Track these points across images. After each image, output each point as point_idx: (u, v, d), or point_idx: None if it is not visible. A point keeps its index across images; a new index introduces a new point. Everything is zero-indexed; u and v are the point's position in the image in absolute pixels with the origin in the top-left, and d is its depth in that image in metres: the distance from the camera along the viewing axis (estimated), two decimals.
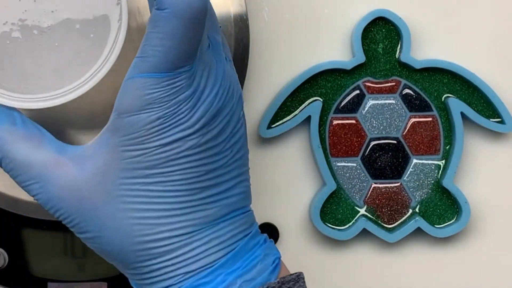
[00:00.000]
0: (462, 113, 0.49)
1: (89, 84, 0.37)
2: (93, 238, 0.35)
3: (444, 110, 0.49)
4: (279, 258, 0.37)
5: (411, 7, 0.49)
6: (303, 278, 0.36)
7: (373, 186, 0.49)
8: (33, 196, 0.36)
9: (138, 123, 0.34)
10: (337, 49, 0.49)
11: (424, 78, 0.49)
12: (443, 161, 0.49)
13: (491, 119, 0.49)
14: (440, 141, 0.49)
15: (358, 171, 0.49)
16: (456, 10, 0.50)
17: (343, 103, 0.49)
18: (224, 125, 0.36)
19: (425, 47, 0.50)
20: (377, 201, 0.49)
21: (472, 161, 0.50)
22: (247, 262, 0.36)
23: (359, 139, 0.49)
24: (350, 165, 0.49)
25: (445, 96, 0.49)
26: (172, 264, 0.35)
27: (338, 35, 0.50)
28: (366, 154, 0.49)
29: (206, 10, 0.34)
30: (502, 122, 0.49)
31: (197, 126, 0.34)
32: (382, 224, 0.49)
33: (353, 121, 0.49)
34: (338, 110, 0.49)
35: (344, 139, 0.49)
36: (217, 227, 0.36)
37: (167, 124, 0.34)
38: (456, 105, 0.49)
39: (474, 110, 0.49)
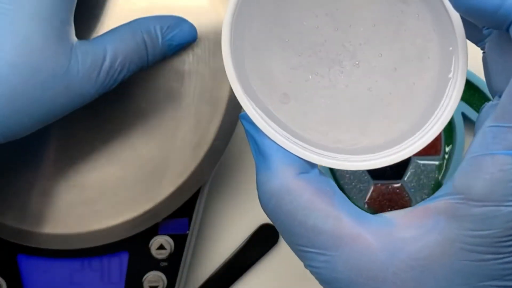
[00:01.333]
0: (462, 114, 0.49)
1: (401, 155, 0.28)
2: None
3: None
4: None
5: None
6: None
7: (374, 187, 0.49)
8: (309, 266, 0.28)
9: (496, 218, 0.25)
10: None
11: None
12: (444, 162, 0.49)
13: None
14: (441, 141, 0.49)
15: (359, 171, 0.49)
16: None
17: None
18: None
19: None
20: (378, 202, 0.49)
21: None
22: None
23: None
24: None
25: None
26: None
27: None
28: None
29: None
30: None
31: None
32: None
33: None
34: None
35: None
36: None
37: None
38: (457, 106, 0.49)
39: (475, 110, 0.49)
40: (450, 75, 0.28)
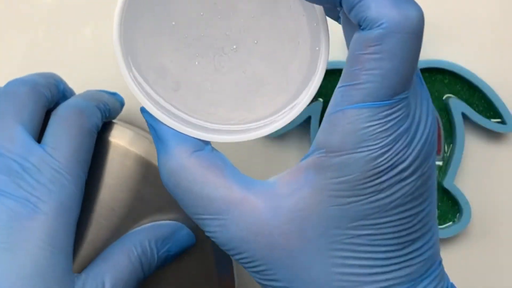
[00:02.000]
0: (463, 114, 0.48)
1: (275, 126, 0.33)
2: (280, 285, 0.31)
3: (445, 110, 0.49)
4: None
5: None
6: None
7: None
8: (207, 232, 0.32)
9: (351, 164, 0.29)
10: (337, 49, 0.49)
11: (425, 78, 0.49)
12: (444, 162, 0.49)
13: (492, 120, 0.49)
14: (441, 141, 0.49)
15: None
16: (456, 10, 0.50)
17: None
18: (431, 166, 0.31)
19: (426, 47, 0.50)
20: None
21: (473, 161, 0.50)
22: None
23: None
24: None
25: (445, 96, 0.49)
26: None
27: (338, 35, 0.49)
28: None
29: (423, 21, 0.29)
30: (503, 122, 0.49)
31: (412, 168, 0.30)
32: None
33: None
34: None
35: None
36: (420, 286, 0.32)
37: (385, 166, 0.29)
38: (457, 106, 0.48)
39: (475, 110, 0.49)
40: (317, 48, 0.32)
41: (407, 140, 0.29)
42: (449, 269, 0.50)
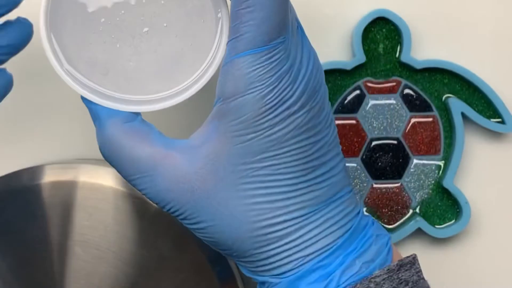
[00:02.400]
0: (462, 113, 0.49)
1: (195, 87, 0.38)
2: (206, 228, 0.35)
3: (445, 110, 0.49)
4: (390, 239, 0.37)
5: (411, 7, 0.49)
6: (418, 260, 0.36)
7: (373, 186, 0.49)
8: (140, 190, 0.36)
9: (245, 105, 0.34)
10: (337, 49, 0.49)
11: (425, 78, 0.49)
12: (444, 162, 0.49)
13: (491, 119, 0.49)
14: (441, 141, 0.49)
15: (359, 171, 0.49)
16: (456, 10, 0.50)
17: (343, 103, 0.49)
18: (322, 102, 0.36)
19: (426, 47, 0.50)
20: (377, 202, 0.49)
21: (472, 161, 0.50)
22: (362, 242, 0.36)
23: (360, 139, 0.49)
24: (350, 165, 0.49)
25: (445, 96, 0.49)
26: (290, 248, 0.35)
27: (338, 35, 0.49)
28: (366, 154, 0.49)
29: None
30: (502, 122, 0.49)
31: (300, 103, 0.34)
32: (383, 224, 0.49)
33: (354, 121, 0.49)
34: (338, 111, 0.49)
35: (344, 139, 0.49)
36: (329, 208, 0.36)
37: (273, 102, 0.34)
38: (457, 105, 0.49)
39: (475, 110, 0.49)
40: (219, 16, 0.37)
41: (290, 78, 0.34)
42: (448, 268, 0.51)
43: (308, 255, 0.35)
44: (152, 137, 0.36)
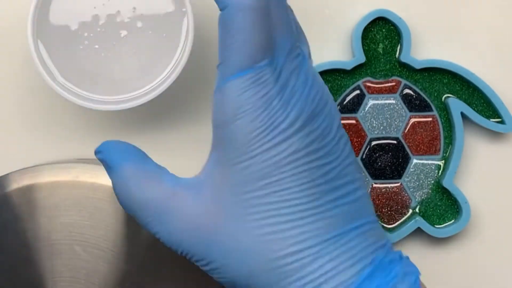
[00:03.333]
0: (462, 113, 0.49)
1: (170, 80, 0.42)
2: (220, 268, 0.33)
3: (444, 110, 0.49)
4: (418, 277, 0.34)
5: (411, 7, 0.49)
6: None
7: (373, 186, 0.49)
8: (154, 234, 0.35)
9: (237, 131, 0.33)
10: (337, 49, 0.49)
11: (424, 78, 0.49)
12: (443, 161, 0.49)
13: (491, 119, 0.49)
14: (440, 141, 0.49)
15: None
16: (456, 10, 0.50)
17: (343, 103, 0.49)
18: (325, 127, 0.34)
19: (425, 47, 0.50)
20: (377, 201, 0.49)
21: (472, 161, 0.50)
22: (385, 281, 0.33)
23: (359, 139, 0.49)
24: None
25: (445, 96, 0.49)
26: (307, 283, 0.32)
27: (338, 35, 0.49)
28: (366, 154, 0.49)
29: None
30: (502, 122, 0.49)
31: (296, 127, 0.33)
32: (382, 224, 0.49)
33: (353, 121, 0.49)
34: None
35: None
36: (345, 238, 0.33)
37: (265, 125, 0.33)
38: (456, 105, 0.49)
39: (474, 110, 0.49)
40: (184, 10, 0.42)
41: (281, 102, 0.33)
42: (448, 268, 0.51)
43: None
44: (163, 178, 0.35)
